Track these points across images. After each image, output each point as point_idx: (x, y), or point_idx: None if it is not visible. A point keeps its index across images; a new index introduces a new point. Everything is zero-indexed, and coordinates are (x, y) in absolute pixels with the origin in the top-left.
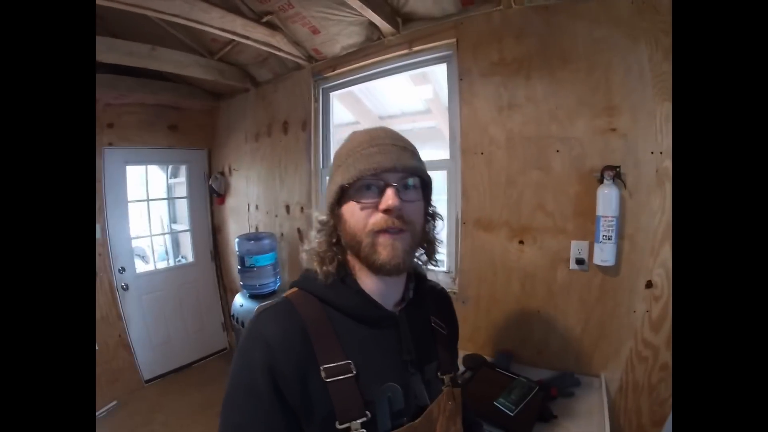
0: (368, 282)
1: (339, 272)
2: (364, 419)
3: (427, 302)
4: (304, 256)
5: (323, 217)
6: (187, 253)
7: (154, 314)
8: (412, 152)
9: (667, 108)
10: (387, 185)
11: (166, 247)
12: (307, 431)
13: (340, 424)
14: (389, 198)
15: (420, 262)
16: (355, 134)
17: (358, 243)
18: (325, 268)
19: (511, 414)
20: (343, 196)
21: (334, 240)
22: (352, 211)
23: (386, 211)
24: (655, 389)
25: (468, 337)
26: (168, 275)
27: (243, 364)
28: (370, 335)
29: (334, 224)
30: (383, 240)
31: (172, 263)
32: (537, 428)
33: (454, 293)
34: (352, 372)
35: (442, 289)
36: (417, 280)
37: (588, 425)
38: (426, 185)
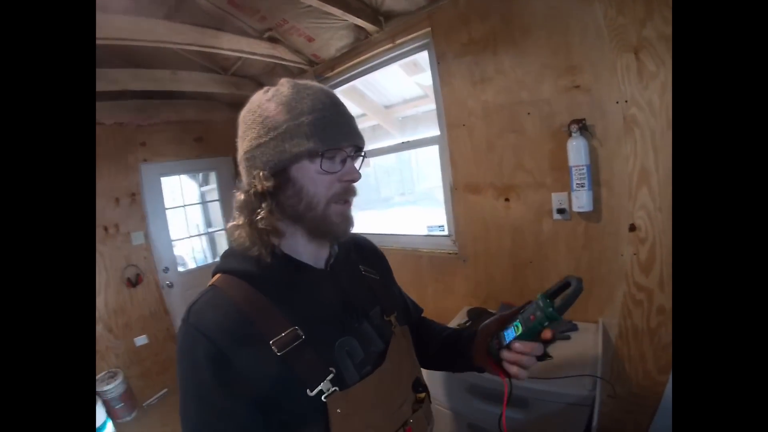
0: (299, 246)
1: (263, 243)
2: (331, 375)
3: (351, 254)
4: (242, 234)
5: (269, 183)
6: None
7: None
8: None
9: (626, 58)
10: (347, 156)
11: (204, 251)
12: (281, 411)
13: (311, 391)
14: (355, 171)
15: None
16: (301, 88)
17: (315, 213)
18: (267, 248)
19: None
20: (296, 160)
21: (273, 209)
22: (311, 177)
23: (349, 181)
24: (656, 333)
25: (471, 293)
26: (207, 272)
27: (187, 366)
28: (309, 298)
29: (275, 190)
30: (340, 210)
31: (210, 261)
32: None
33: (456, 254)
34: (301, 337)
35: (359, 236)
36: None
37: (581, 365)
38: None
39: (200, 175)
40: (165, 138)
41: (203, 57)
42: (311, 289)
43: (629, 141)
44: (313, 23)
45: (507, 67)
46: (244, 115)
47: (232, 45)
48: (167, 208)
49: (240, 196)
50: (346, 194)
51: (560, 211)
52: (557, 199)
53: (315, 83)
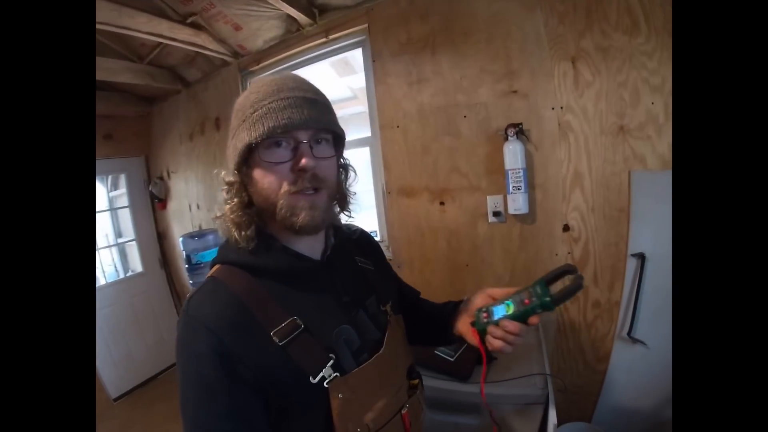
0: (291, 239)
1: (259, 234)
2: (332, 362)
3: (348, 246)
4: (218, 223)
5: (231, 178)
6: (136, 264)
7: (111, 330)
8: (325, 104)
9: (564, 67)
10: (300, 143)
11: (114, 264)
12: (283, 399)
13: (314, 379)
14: (303, 157)
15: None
16: (258, 83)
17: (273, 205)
18: (244, 233)
19: (451, 359)
20: (250, 154)
21: (246, 201)
22: (262, 172)
23: (300, 170)
24: (593, 326)
25: None
26: (119, 288)
27: (188, 357)
28: (305, 288)
29: (244, 185)
30: (300, 202)
31: (122, 276)
32: (478, 370)
33: (390, 260)
34: (301, 326)
35: (357, 228)
36: (334, 226)
37: (528, 364)
38: (339, 138)
39: (109, 177)
40: None
41: (117, 41)
42: (308, 280)
43: (564, 145)
44: (242, 10)
45: (445, 68)
46: None
47: (151, 28)
48: None
49: (223, 194)
50: (300, 183)
51: (496, 213)
52: (492, 201)
53: (282, 73)
